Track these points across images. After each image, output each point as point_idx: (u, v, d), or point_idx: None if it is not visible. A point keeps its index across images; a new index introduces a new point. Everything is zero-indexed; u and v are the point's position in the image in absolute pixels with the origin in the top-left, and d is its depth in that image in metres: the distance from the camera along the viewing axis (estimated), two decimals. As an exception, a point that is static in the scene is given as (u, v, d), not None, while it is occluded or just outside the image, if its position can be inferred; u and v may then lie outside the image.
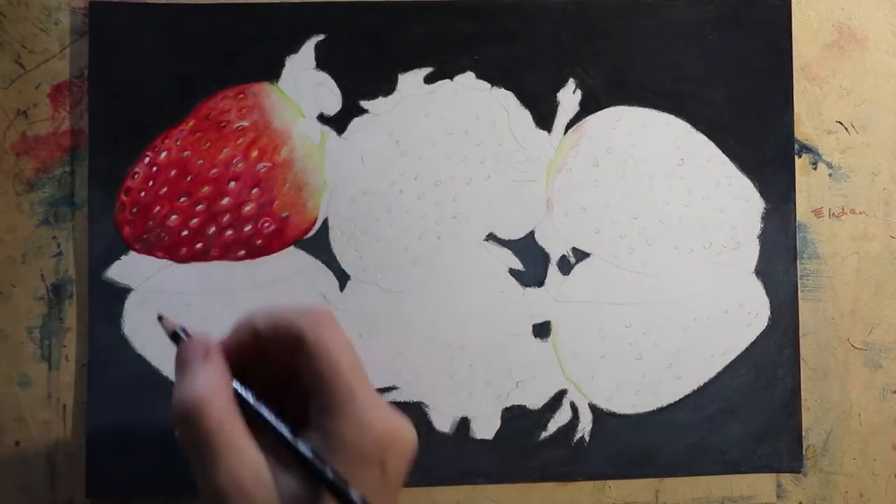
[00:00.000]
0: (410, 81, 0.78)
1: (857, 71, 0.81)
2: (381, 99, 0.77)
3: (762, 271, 0.79)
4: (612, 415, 0.77)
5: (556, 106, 0.78)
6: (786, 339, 0.79)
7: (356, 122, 0.77)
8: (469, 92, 0.78)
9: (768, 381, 0.78)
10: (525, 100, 0.78)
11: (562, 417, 0.77)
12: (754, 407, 0.78)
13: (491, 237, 0.78)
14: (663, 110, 0.79)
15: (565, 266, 0.78)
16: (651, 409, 0.78)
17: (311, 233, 0.77)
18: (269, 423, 0.58)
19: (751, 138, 0.79)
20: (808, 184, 0.80)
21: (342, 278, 0.77)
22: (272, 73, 0.77)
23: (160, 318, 0.62)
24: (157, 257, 0.76)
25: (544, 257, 0.78)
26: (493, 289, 0.77)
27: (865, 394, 0.80)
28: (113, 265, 0.76)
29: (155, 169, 0.76)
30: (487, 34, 0.78)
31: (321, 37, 0.77)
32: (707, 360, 0.78)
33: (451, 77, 0.78)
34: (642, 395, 0.78)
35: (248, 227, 0.76)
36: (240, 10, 0.77)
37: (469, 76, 0.78)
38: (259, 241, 0.76)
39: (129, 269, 0.76)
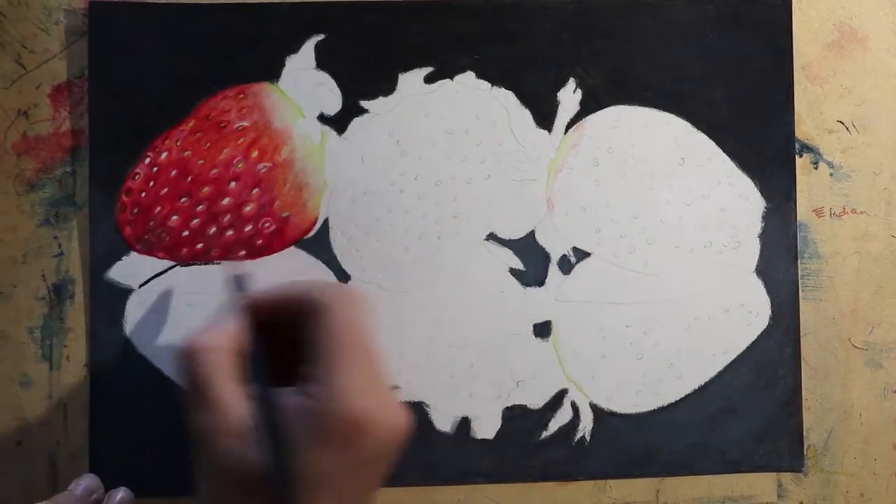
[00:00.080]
0: (411, 81, 0.78)
1: (858, 70, 0.81)
2: (381, 99, 0.77)
3: (763, 270, 0.79)
4: (613, 414, 0.77)
5: (557, 105, 0.78)
6: (786, 339, 0.79)
7: (356, 122, 0.77)
8: (469, 91, 0.78)
9: (769, 380, 0.78)
10: (525, 99, 0.78)
11: (562, 417, 0.78)
12: (755, 406, 0.78)
13: (491, 237, 0.78)
14: (664, 110, 0.78)
15: (566, 265, 0.78)
16: (652, 409, 0.78)
17: (312, 233, 0.77)
18: (250, 373, 0.62)
19: (751, 137, 0.79)
20: (809, 183, 0.80)
21: (343, 278, 0.77)
22: (272, 73, 0.77)
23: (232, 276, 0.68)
24: (158, 258, 0.76)
25: (545, 257, 0.78)
26: (493, 288, 0.77)
27: (866, 393, 0.80)
28: (114, 266, 0.76)
29: (155, 169, 0.76)
30: (487, 34, 0.78)
31: (321, 37, 0.77)
32: (708, 359, 0.78)
33: (451, 77, 0.78)
34: (643, 395, 0.78)
35: (248, 228, 0.76)
36: (240, 9, 0.77)
37: (469, 76, 0.78)
38: (260, 242, 0.76)
39: (130, 269, 0.76)
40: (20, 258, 0.76)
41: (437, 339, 0.77)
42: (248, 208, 0.76)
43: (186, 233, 0.76)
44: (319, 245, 0.77)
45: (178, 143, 0.76)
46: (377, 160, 0.77)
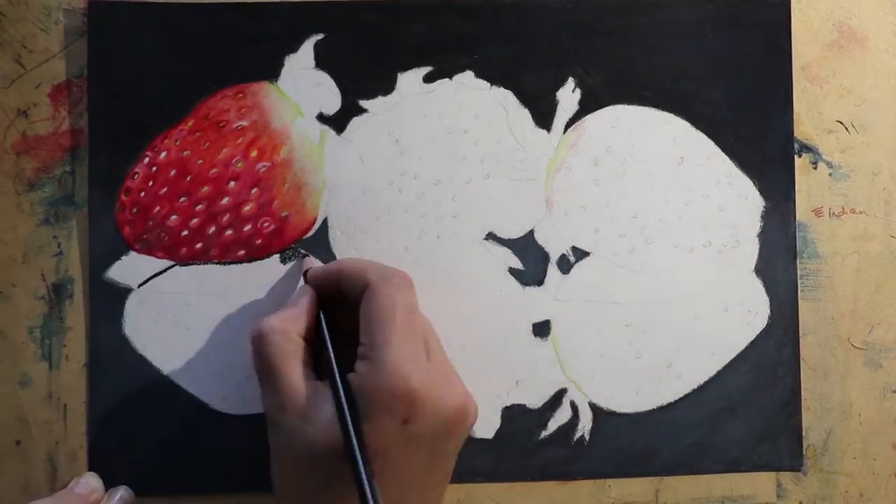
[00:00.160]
0: (410, 81, 0.78)
1: (858, 70, 0.81)
2: (380, 98, 0.77)
3: (762, 270, 0.79)
4: (612, 414, 0.77)
5: (556, 105, 0.78)
6: (786, 338, 0.78)
7: (355, 122, 0.77)
8: (468, 91, 0.78)
9: (768, 379, 0.78)
10: (524, 99, 0.78)
11: (562, 416, 0.77)
12: (754, 406, 0.78)
13: (490, 236, 0.77)
14: (663, 109, 0.78)
15: (565, 265, 0.78)
16: (651, 408, 0.78)
17: (311, 232, 0.77)
18: (326, 353, 0.67)
19: (750, 137, 0.79)
20: (808, 183, 0.80)
21: (342, 278, 0.77)
22: (271, 72, 0.77)
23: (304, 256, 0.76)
24: (158, 257, 0.76)
25: (544, 256, 0.78)
26: (492, 288, 0.77)
27: (865, 393, 0.80)
28: (113, 265, 0.76)
29: (154, 169, 0.76)
30: (487, 33, 0.78)
31: (320, 36, 0.77)
32: (707, 358, 0.78)
33: (450, 76, 0.78)
34: (642, 394, 0.78)
35: (247, 227, 0.76)
36: (239, 9, 0.77)
37: (468, 75, 0.78)
38: (259, 241, 0.76)
39: (129, 269, 0.76)
40: (20, 258, 0.76)
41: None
42: (247, 208, 0.76)
43: (185, 232, 0.76)
44: (319, 245, 0.77)
45: (178, 143, 0.76)
46: (376, 160, 0.77)
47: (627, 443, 0.77)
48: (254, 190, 0.76)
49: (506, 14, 0.78)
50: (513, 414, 0.77)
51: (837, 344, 0.80)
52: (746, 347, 0.78)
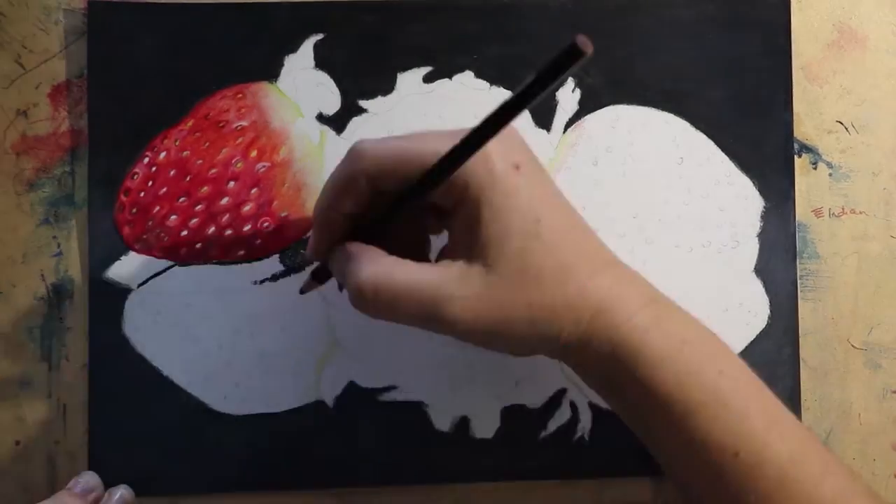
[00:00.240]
0: (409, 81, 0.78)
1: (858, 71, 0.81)
2: (380, 98, 0.77)
3: (762, 270, 0.79)
4: (613, 414, 0.77)
5: (555, 105, 0.78)
6: (785, 339, 0.78)
7: (355, 122, 0.77)
8: (468, 91, 0.78)
9: (768, 380, 0.77)
10: (524, 99, 0.78)
11: (561, 416, 0.77)
12: (754, 406, 0.78)
13: (490, 236, 0.77)
14: (663, 109, 0.78)
15: (565, 265, 0.78)
16: (651, 408, 0.78)
17: (311, 232, 0.76)
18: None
19: (750, 137, 0.79)
20: (808, 183, 0.80)
21: (342, 278, 0.77)
22: (271, 72, 0.77)
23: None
24: (157, 257, 0.76)
25: (544, 256, 0.78)
26: (492, 288, 0.77)
27: (865, 394, 0.80)
28: (113, 265, 0.76)
29: (154, 169, 0.76)
30: (486, 33, 0.78)
31: (320, 36, 0.77)
32: (706, 358, 0.78)
33: (449, 76, 0.78)
34: (642, 394, 0.78)
35: (247, 227, 0.76)
36: (239, 9, 0.77)
37: (468, 75, 0.78)
38: (258, 241, 0.76)
39: (129, 269, 0.76)
40: (19, 258, 0.76)
41: (436, 339, 0.76)
42: (246, 208, 0.76)
43: (185, 232, 0.76)
44: (318, 245, 0.77)
45: (177, 143, 0.76)
46: (376, 160, 0.77)
47: (627, 443, 0.77)
48: (253, 190, 0.76)
49: (505, 14, 0.78)
50: (513, 414, 0.77)
51: (837, 344, 0.80)
52: (746, 348, 0.78)
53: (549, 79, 0.51)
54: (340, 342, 0.77)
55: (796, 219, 0.79)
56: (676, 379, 0.61)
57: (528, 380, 0.77)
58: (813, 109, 0.80)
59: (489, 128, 0.57)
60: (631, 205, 0.78)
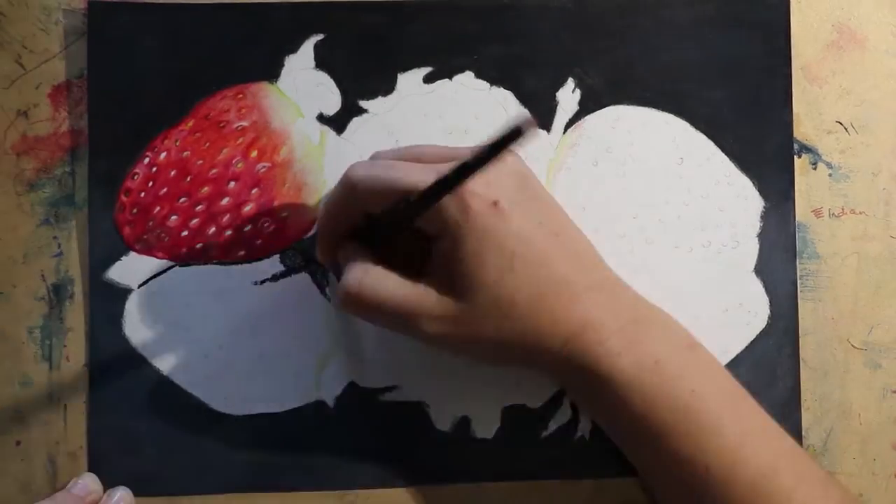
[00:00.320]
0: (410, 81, 0.78)
1: (857, 71, 0.81)
2: (380, 99, 0.77)
3: (762, 270, 0.78)
4: (613, 414, 0.78)
5: (556, 105, 0.78)
6: (785, 339, 0.78)
7: (355, 122, 0.77)
8: (468, 91, 0.78)
9: (768, 380, 0.78)
10: (524, 99, 0.78)
11: (562, 416, 0.77)
12: (754, 406, 0.78)
13: (490, 236, 0.77)
14: (663, 109, 0.78)
15: (565, 265, 0.78)
16: (651, 408, 0.78)
17: (311, 233, 0.76)
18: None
19: (750, 137, 0.79)
20: (808, 184, 0.80)
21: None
22: (271, 72, 0.77)
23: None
24: (158, 258, 0.76)
25: (544, 256, 0.78)
26: (492, 288, 0.77)
27: (865, 394, 0.80)
28: (113, 266, 0.76)
29: (154, 169, 0.76)
30: (486, 34, 0.78)
31: (320, 36, 0.77)
32: (706, 358, 0.78)
33: (450, 77, 0.78)
34: (642, 394, 0.78)
35: (247, 228, 0.76)
36: (239, 9, 0.77)
37: (468, 76, 0.78)
38: (259, 242, 0.76)
39: (129, 269, 0.76)
40: (20, 258, 0.76)
41: (436, 339, 0.77)
42: (247, 208, 0.76)
43: (185, 233, 0.76)
44: (318, 245, 0.77)
45: (178, 143, 0.76)
46: (376, 160, 0.77)
47: (627, 443, 0.78)
48: (254, 190, 0.76)
49: (506, 14, 0.78)
50: (513, 414, 0.77)
51: (837, 344, 0.80)
52: (746, 348, 0.78)
53: (494, 154, 0.56)
54: (341, 342, 0.77)
55: (796, 219, 0.79)
56: (646, 402, 0.64)
57: (529, 379, 0.77)
58: (812, 110, 0.80)
59: (441, 188, 0.61)
60: (631, 205, 0.78)
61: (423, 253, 0.68)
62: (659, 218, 0.78)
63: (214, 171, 0.76)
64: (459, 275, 0.64)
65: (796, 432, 0.78)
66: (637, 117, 0.78)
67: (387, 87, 0.78)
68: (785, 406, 0.78)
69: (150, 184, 0.76)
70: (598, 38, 0.78)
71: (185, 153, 0.76)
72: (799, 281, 0.79)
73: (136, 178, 0.76)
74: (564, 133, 0.78)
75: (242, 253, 0.76)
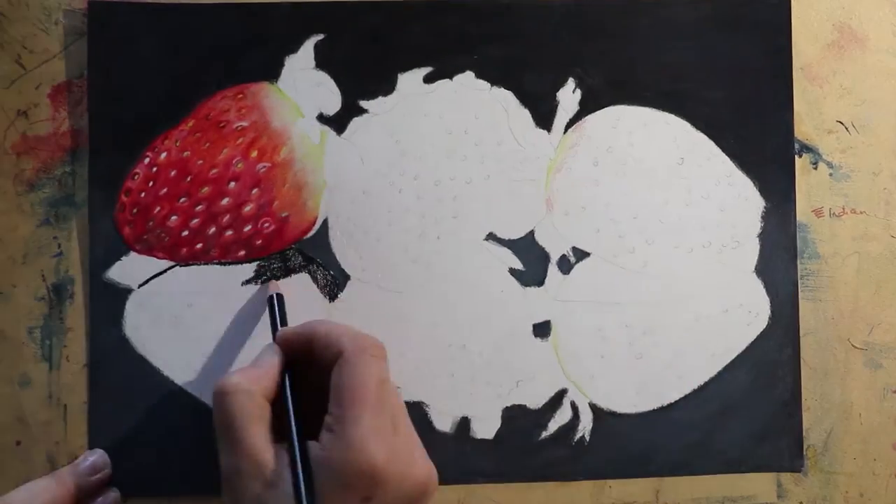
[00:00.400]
0: (410, 81, 0.78)
1: (858, 70, 0.81)
2: (380, 99, 0.77)
3: (762, 270, 0.79)
4: (613, 414, 0.77)
5: (556, 105, 0.78)
6: (786, 339, 0.78)
7: (356, 122, 0.77)
8: (469, 91, 0.78)
9: (769, 380, 0.78)
10: (525, 99, 0.78)
11: (562, 417, 0.77)
12: (755, 406, 0.78)
13: (491, 237, 0.78)
14: (663, 109, 0.79)
15: (565, 265, 0.78)
16: (651, 409, 0.78)
17: (311, 233, 0.77)
18: (288, 420, 0.64)
19: (751, 137, 0.79)
20: (809, 183, 0.80)
21: (342, 278, 0.77)
22: (272, 72, 0.77)
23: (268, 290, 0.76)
24: (158, 258, 0.76)
25: (544, 257, 0.78)
26: (493, 288, 0.77)
27: (866, 393, 0.80)
28: (114, 266, 0.76)
29: (155, 169, 0.76)
30: (487, 34, 0.78)
31: (321, 36, 0.77)
32: (707, 359, 0.78)
33: (450, 77, 0.78)
34: (642, 395, 0.78)
35: (247, 228, 0.76)
36: (239, 9, 0.77)
37: (469, 76, 0.78)
38: (259, 242, 0.76)
39: (129, 269, 0.76)
40: (20, 258, 0.76)
41: (437, 339, 0.77)
42: (247, 208, 0.76)
43: (186, 233, 0.76)
44: (319, 245, 0.77)
45: (178, 143, 0.76)
46: (376, 160, 0.77)
47: (628, 443, 0.77)
48: (254, 190, 0.76)
49: (506, 15, 0.78)
50: (513, 414, 0.77)
51: (838, 344, 0.80)
52: (747, 348, 0.78)
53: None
54: (341, 342, 0.77)
55: (797, 219, 0.79)
56: None
57: (529, 380, 0.77)
58: (813, 109, 0.80)
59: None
60: (631, 205, 0.78)
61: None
62: (659, 218, 0.78)
63: (215, 171, 0.76)
64: None
65: (797, 433, 0.78)
66: (638, 117, 0.78)
67: (387, 87, 0.78)
68: (786, 406, 0.78)
69: (151, 184, 0.76)
70: (598, 39, 0.78)
71: (186, 153, 0.76)
72: (800, 281, 0.79)
73: (136, 178, 0.76)
74: (565, 133, 0.78)
75: (242, 253, 0.76)
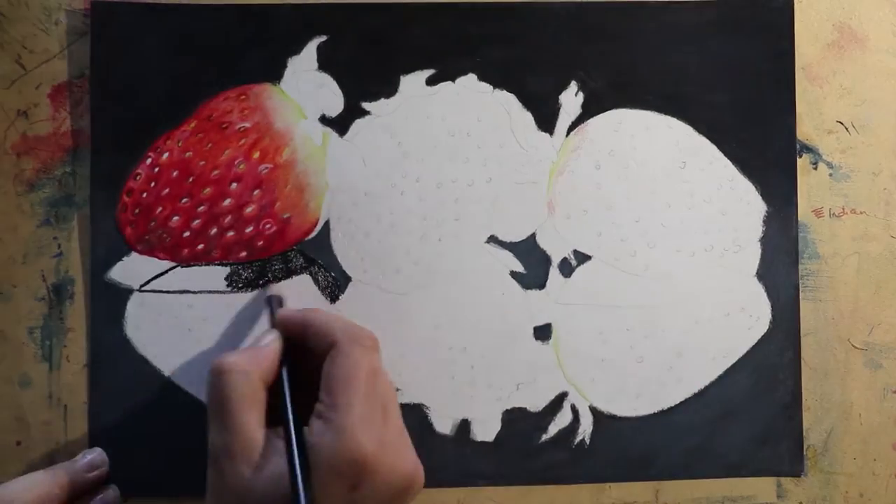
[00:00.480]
0: (412, 83, 0.77)
1: (858, 71, 0.81)
2: (382, 100, 0.77)
3: (764, 274, 0.79)
4: (613, 417, 0.78)
5: (558, 108, 0.78)
6: (787, 343, 0.79)
7: (358, 124, 0.77)
8: (471, 94, 0.78)
9: (769, 384, 0.78)
10: (527, 102, 0.78)
11: (562, 420, 0.78)
12: (755, 410, 0.78)
13: (492, 239, 0.78)
14: (665, 113, 0.78)
15: (566, 268, 0.78)
16: (652, 412, 0.78)
17: (313, 234, 0.77)
18: (284, 406, 0.64)
19: (753, 141, 0.79)
20: (809, 184, 0.80)
21: (343, 280, 0.77)
22: (274, 74, 0.77)
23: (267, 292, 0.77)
24: (159, 258, 0.76)
25: (546, 259, 0.78)
26: (494, 291, 0.77)
27: (866, 394, 0.80)
28: (115, 266, 0.76)
29: (157, 170, 0.76)
30: (489, 36, 0.78)
31: (323, 38, 0.77)
32: (708, 363, 0.78)
33: (452, 79, 0.78)
34: (643, 398, 0.78)
35: (249, 229, 0.76)
36: (242, 10, 0.77)
37: (471, 78, 0.78)
38: (261, 243, 0.76)
39: (131, 270, 0.76)
40: (20, 258, 0.76)
41: (438, 342, 0.77)
42: (249, 209, 0.76)
43: (187, 233, 0.76)
44: (320, 246, 0.77)
45: (180, 144, 0.76)
46: (379, 162, 0.77)
47: (628, 447, 0.78)
48: (256, 191, 0.76)
49: (508, 17, 0.78)
50: (513, 417, 0.78)
51: (838, 344, 0.80)
52: (748, 352, 0.78)
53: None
54: (342, 344, 0.77)
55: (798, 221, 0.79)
56: None
57: (530, 383, 0.78)
58: (813, 109, 0.80)
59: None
60: (633, 209, 0.78)
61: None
62: (661, 222, 0.78)
63: (216, 171, 0.76)
64: None
65: (797, 437, 0.79)
66: (640, 121, 0.78)
67: (389, 89, 0.77)
68: (786, 409, 0.78)
69: (153, 184, 0.76)
70: (601, 42, 0.78)
71: (188, 154, 0.76)
72: (800, 281, 0.79)
73: (138, 178, 0.76)
74: (567, 136, 0.78)
75: (244, 254, 0.76)
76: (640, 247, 0.78)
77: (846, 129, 0.80)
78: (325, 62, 0.77)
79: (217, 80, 0.77)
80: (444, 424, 0.77)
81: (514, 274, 0.78)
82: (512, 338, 0.78)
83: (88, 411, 0.76)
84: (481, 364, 0.77)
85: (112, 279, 0.76)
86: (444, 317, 0.77)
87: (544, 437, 0.78)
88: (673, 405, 0.78)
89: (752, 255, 0.79)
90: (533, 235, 0.78)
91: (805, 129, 0.80)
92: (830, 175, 0.80)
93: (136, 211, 0.75)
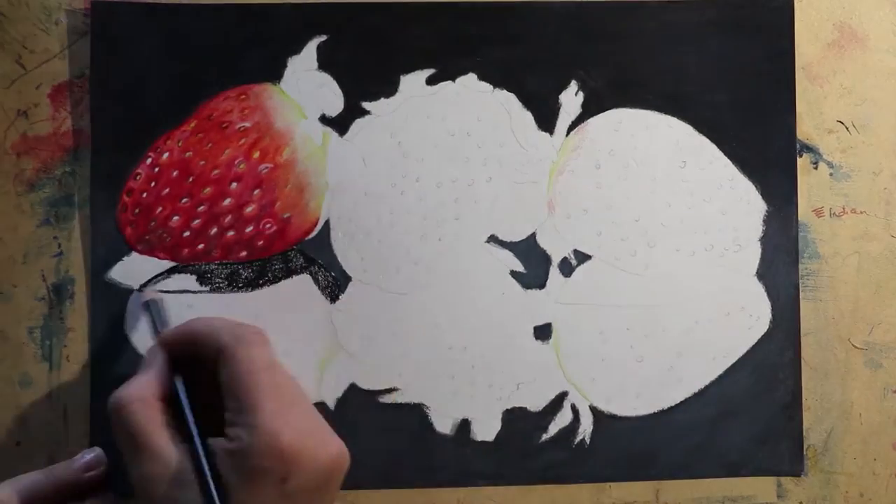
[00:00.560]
0: (412, 83, 0.77)
1: (858, 70, 0.81)
2: (383, 100, 0.77)
3: (764, 274, 0.79)
4: (613, 417, 0.78)
5: (559, 108, 0.78)
6: (787, 342, 0.79)
7: (358, 124, 0.77)
8: (471, 93, 0.78)
9: (769, 383, 0.78)
10: (527, 101, 0.78)
11: (562, 419, 0.78)
12: (755, 410, 0.78)
13: (492, 239, 0.78)
14: (665, 112, 0.79)
15: (567, 268, 0.78)
16: (652, 412, 0.78)
17: (313, 234, 0.77)
18: (186, 421, 0.65)
19: (753, 141, 0.79)
20: (809, 183, 0.80)
21: (343, 279, 0.77)
22: (274, 73, 0.77)
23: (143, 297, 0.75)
24: (159, 258, 0.76)
25: (546, 259, 0.78)
26: (494, 290, 0.77)
27: (866, 393, 0.80)
28: (115, 266, 0.76)
29: (157, 170, 0.76)
30: (489, 36, 0.78)
31: (323, 38, 0.77)
32: (708, 362, 0.78)
33: (453, 79, 0.78)
34: (643, 398, 0.78)
35: (249, 228, 0.76)
36: (242, 10, 0.77)
37: (471, 78, 0.78)
38: (261, 242, 0.76)
39: (131, 269, 0.76)
40: (20, 258, 0.76)
41: (438, 341, 0.77)
42: (249, 209, 0.76)
43: (187, 233, 0.76)
44: (320, 246, 0.77)
45: (180, 144, 0.76)
46: (379, 162, 0.77)
47: (628, 446, 0.78)
48: (256, 191, 0.76)
49: (509, 17, 0.78)
50: (514, 417, 0.78)
51: (838, 344, 0.80)
52: (748, 351, 0.78)
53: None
54: (342, 344, 0.77)
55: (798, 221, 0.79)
56: None
57: (530, 383, 0.78)
58: (813, 109, 0.80)
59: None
60: (633, 208, 0.78)
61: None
62: (661, 221, 0.78)
63: (217, 171, 0.76)
64: None
65: (797, 436, 0.79)
66: (640, 120, 0.78)
67: (389, 89, 0.77)
68: (787, 408, 0.78)
69: (153, 184, 0.76)
70: (601, 41, 0.78)
71: (188, 154, 0.76)
72: (800, 281, 0.79)
73: (138, 178, 0.76)
74: (567, 136, 0.78)
75: (244, 254, 0.76)
76: (640, 246, 0.78)
77: (846, 128, 0.80)
78: (325, 62, 0.77)
79: (217, 80, 0.77)
80: (444, 424, 0.77)
81: (514, 273, 0.78)
82: (512, 337, 0.78)
83: (89, 411, 0.76)
84: (481, 364, 0.77)
85: (112, 279, 0.76)
86: (444, 316, 0.77)
87: (544, 436, 0.78)
88: (673, 405, 0.78)
89: (753, 255, 0.79)
90: (533, 235, 0.78)
91: (805, 128, 0.80)
92: (831, 175, 0.80)
93: (137, 211, 0.75)
